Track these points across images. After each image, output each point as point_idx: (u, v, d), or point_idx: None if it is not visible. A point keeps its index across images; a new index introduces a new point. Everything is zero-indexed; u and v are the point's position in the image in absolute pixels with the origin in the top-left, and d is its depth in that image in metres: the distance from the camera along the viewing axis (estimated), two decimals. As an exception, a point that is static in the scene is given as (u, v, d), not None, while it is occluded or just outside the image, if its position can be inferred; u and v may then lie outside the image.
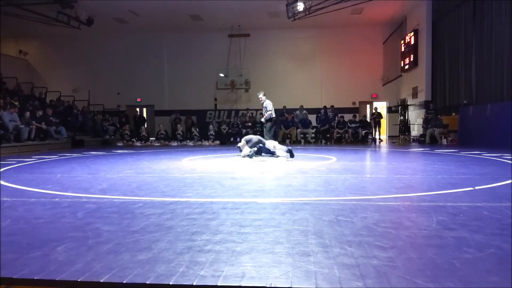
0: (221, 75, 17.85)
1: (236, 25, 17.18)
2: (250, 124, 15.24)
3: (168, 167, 5.98)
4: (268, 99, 8.99)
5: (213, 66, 17.89)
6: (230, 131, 15.12)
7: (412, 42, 14.59)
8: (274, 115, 8.99)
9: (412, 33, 14.65)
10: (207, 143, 14.07)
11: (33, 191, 3.80)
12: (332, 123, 14.59)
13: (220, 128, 15.47)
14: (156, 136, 15.38)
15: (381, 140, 14.60)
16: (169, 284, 1.48)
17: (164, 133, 15.16)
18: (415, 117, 14.94)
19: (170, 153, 9.31)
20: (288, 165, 6.01)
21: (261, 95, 8.98)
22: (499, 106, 9.56)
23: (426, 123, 12.83)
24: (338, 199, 3.14)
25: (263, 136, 8.53)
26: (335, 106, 15.77)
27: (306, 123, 14.45)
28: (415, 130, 14.81)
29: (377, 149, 10.55)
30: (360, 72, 17.52)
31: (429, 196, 3.27)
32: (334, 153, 8.66)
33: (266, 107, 8.88)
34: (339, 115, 15.03)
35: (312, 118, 15.10)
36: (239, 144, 8.00)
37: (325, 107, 15.57)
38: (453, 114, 12.28)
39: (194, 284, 1.48)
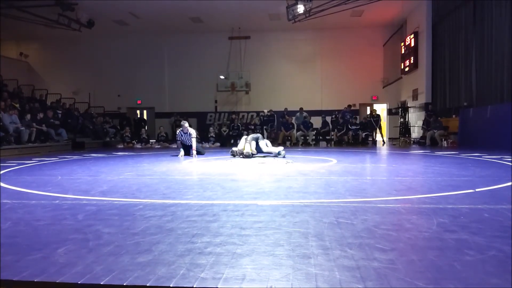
0: (222, 77, 17.88)
1: (236, 27, 17.23)
2: (252, 127, 15.22)
3: (168, 169, 5.98)
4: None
5: (214, 68, 17.93)
6: (230, 133, 15.12)
7: (412, 44, 14.62)
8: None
9: (412, 35, 14.68)
10: (207, 145, 14.07)
11: (34, 193, 3.80)
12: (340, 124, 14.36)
13: (221, 130, 15.47)
14: (157, 138, 15.38)
15: (384, 142, 14.59)
16: (170, 287, 1.48)
17: (164, 135, 15.15)
18: (416, 119, 14.94)
19: (170, 155, 9.32)
20: (289, 167, 6.01)
21: (186, 125, 8.98)
22: (500, 108, 9.56)
23: (426, 125, 12.83)
24: (339, 201, 3.14)
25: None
26: (336, 108, 15.78)
27: (307, 125, 14.44)
28: (416, 132, 14.81)
29: (377, 151, 10.55)
30: (360, 74, 17.54)
31: (429, 198, 3.27)
32: (334, 155, 8.65)
33: (190, 134, 8.85)
34: (354, 116, 14.81)
35: (313, 120, 15.06)
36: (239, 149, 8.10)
37: (349, 105, 15.16)
38: (454, 116, 12.28)
39: (194, 286, 1.48)
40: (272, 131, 14.85)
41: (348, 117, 14.42)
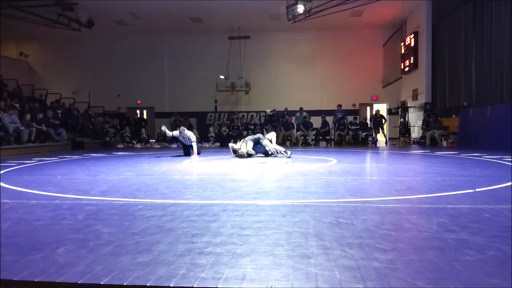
0: (221, 77, 17.87)
1: (236, 27, 17.22)
2: (252, 127, 15.19)
3: (168, 169, 5.97)
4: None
5: (214, 68, 17.92)
6: (230, 133, 15.10)
7: (412, 44, 14.61)
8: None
9: (412, 35, 14.67)
10: (207, 145, 14.07)
11: (34, 193, 3.80)
12: (340, 123, 14.36)
13: (221, 130, 15.46)
14: (157, 138, 15.37)
15: (387, 142, 14.57)
16: (170, 286, 1.48)
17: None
18: (415, 119, 14.94)
19: (170, 155, 9.31)
20: (288, 167, 6.01)
21: (185, 131, 8.84)
22: (499, 108, 9.56)
23: (426, 125, 12.84)
24: (339, 201, 3.14)
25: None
26: (336, 108, 15.75)
27: (307, 125, 14.43)
28: (415, 132, 14.81)
29: (377, 151, 10.55)
30: (360, 74, 17.54)
31: (429, 198, 3.27)
32: (334, 155, 8.65)
33: (190, 138, 8.73)
34: (352, 117, 14.84)
35: (313, 119, 15.06)
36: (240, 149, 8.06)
37: (339, 105, 15.25)
38: (453, 116, 12.28)
39: (194, 286, 1.48)
40: (275, 131, 14.81)
41: (340, 116, 14.52)
